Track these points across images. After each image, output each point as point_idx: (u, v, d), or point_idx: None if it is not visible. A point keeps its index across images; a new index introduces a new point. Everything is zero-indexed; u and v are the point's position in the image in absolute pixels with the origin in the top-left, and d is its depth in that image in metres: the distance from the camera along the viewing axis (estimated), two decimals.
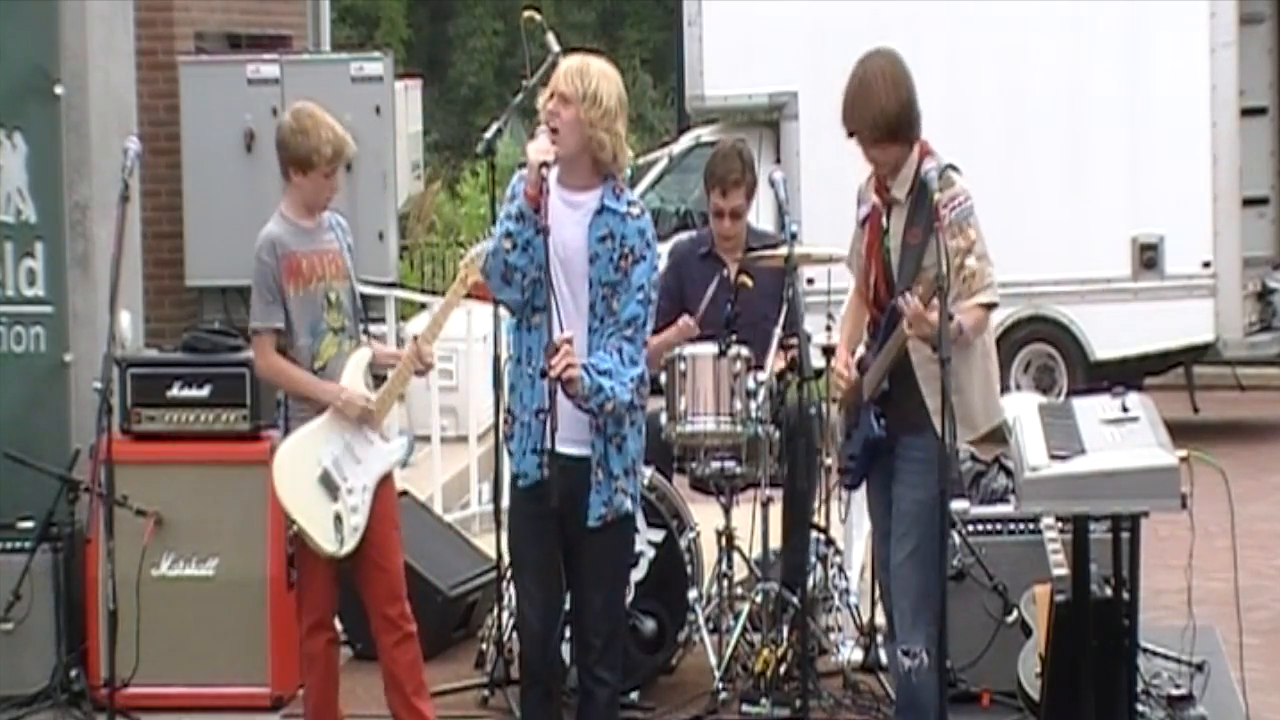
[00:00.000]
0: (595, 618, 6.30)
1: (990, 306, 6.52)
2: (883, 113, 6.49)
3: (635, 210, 6.26)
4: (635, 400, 6.27)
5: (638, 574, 8.05)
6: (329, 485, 7.03)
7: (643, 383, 6.29)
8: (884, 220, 6.64)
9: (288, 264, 7.07)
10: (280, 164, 7.14)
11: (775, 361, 8.03)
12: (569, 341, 6.06)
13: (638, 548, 8.00)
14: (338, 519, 7.02)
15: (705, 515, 8.46)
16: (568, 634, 6.42)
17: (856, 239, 6.82)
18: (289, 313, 7.08)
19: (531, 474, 6.22)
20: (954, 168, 6.56)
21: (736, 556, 8.28)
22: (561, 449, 6.14)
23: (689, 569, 8.13)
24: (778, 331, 7.98)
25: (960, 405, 6.44)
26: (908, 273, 6.51)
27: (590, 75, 6.17)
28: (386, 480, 7.17)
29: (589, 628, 6.30)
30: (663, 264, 8.63)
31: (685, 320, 8.17)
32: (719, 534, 8.26)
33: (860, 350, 6.85)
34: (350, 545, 7.03)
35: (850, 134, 6.58)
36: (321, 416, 7.07)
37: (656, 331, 8.24)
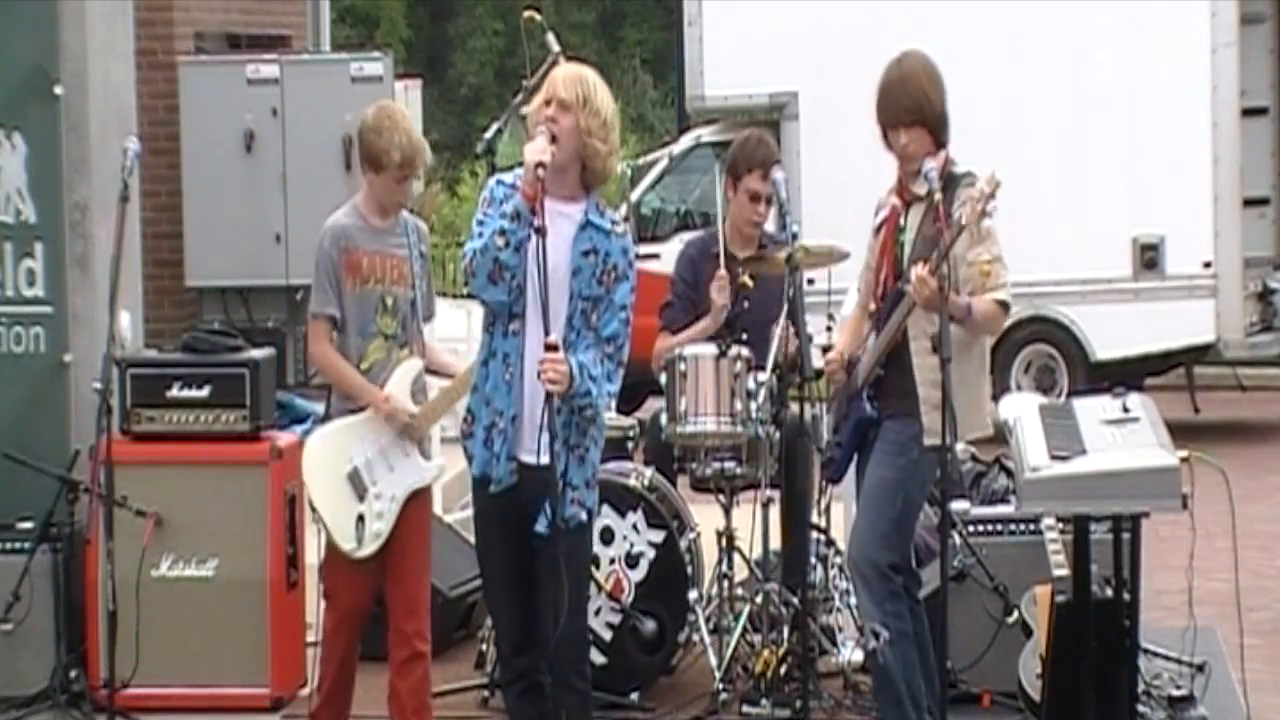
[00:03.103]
0: (564, 626, 6.27)
1: (1005, 306, 6.57)
2: (925, 97, 6.62)
3: (619, 229, 6.28)
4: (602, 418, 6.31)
5: (638, 575, 8.05)
6: (356, 484, 6.99)
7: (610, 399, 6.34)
8: (901, 219, 6.68)
9: (348, 258, 7.03)
10: (359, 159, 7.15)
11: (780, 349, 7.99)
12: (555, 347, 6.07)
13: (638, 549, 8.03)
14: (360, 519, 6.97)
15: (706, 516, 8.46)
16: None
17: (870, 251, 6.87)
18: (343, 307, 7.05)
19: (505, 480, 6.21)
20: (971, 174, 6.64)
21: (737, 557, 8.27)
22: (525, 457, 6.16)
23: (689, 570, 8.13)
24: (778, 332, 7.97)
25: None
26: (919, 257, 6.55)
27: (588, 83, 6.21)
28: (420, 496, 7.10)
29: (558, 636, 6.28)
30: (673, 262, 8.69)
31: (721, 301, 8.16)
32: (719, 535, 8.25)
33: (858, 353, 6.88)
34: (369, 549, 6.98)
35: (884, 124, 6.61)
36: (362, 414, 7.03)
37: (676, 331, 8.30)
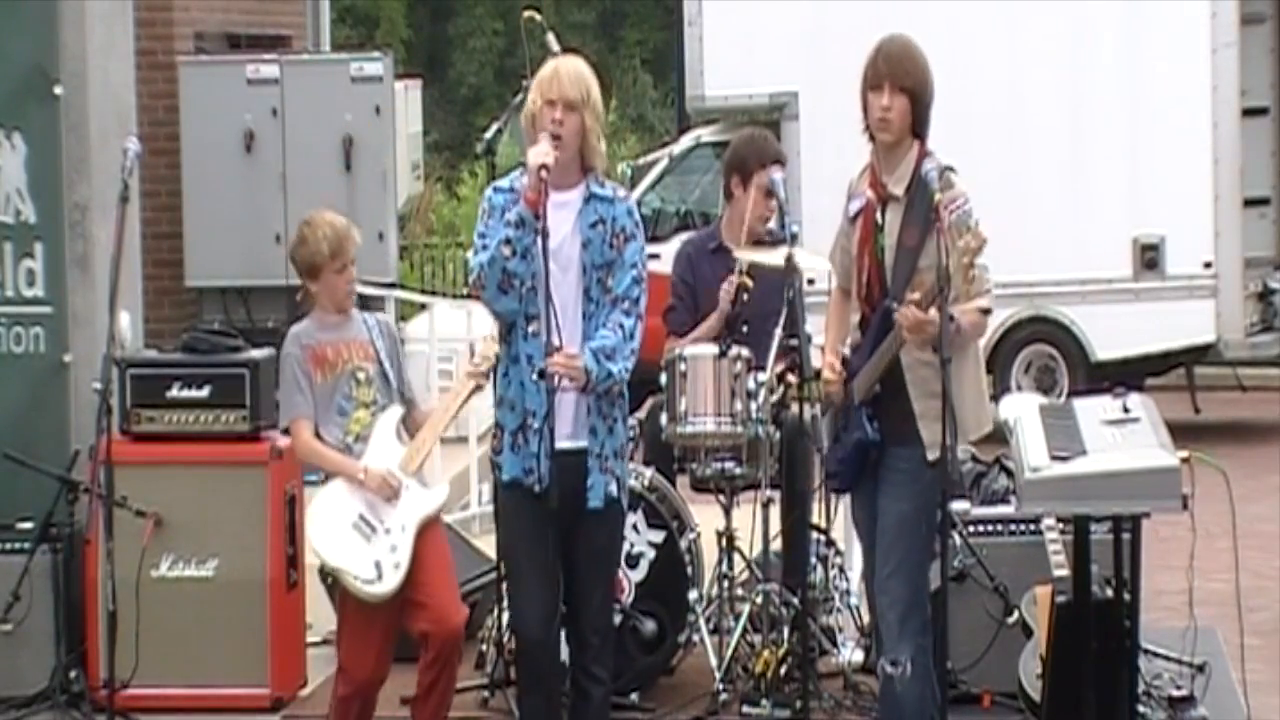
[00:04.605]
0: (593, 615, 6.33)
1: (986, 311, 6.54)
2: (927, 75, 6.58)
3: (621, 193, 6.43)
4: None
5: (638, 575, 8.04)
6: (363, 530, 6.99)
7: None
8: (878, 216, 6.63)
9: (313, 353, 7.12)
10: (299, 275, 7.25)
11: (775, 365, 8.01)
12: (574, 355, 6.14)
13: (638, 549, 8.01)
14: (377, 562, 6.96)
15: (706, 516, 8.46)
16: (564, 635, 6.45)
17: (844, 235, 6.80)
18: (315, 401, 7.11)
19: (547, 477, 6.24)
20: (951, 169, 6.57)
21: (737, 557, 8.27)
22: (560, 444, 6.22)
23: (689, 570, 8.12)
24: (778, 332, 7.97)
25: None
26: (902, 274, 6.50)
27: (585, 79, 6.30)
28: (431, 526, 7.09)
29: (587, 625, 6.33)
30: (670, 264, 8.68)
31: (725, 287, 8.15)
32: (719, 535, 8.25)
33: (845, 350, 6.84)
34: (393, 583, 6.94)
35: (876, 82, 6.54)
36: None
37: (682, 335, 8.29)
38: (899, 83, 6.52)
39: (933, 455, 6.44)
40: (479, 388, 6.95)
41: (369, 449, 7.08)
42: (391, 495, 6.99)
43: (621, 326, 6.28)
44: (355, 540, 6.99)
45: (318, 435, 7.13)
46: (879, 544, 6.59)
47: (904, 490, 6.49)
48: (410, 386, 7.33)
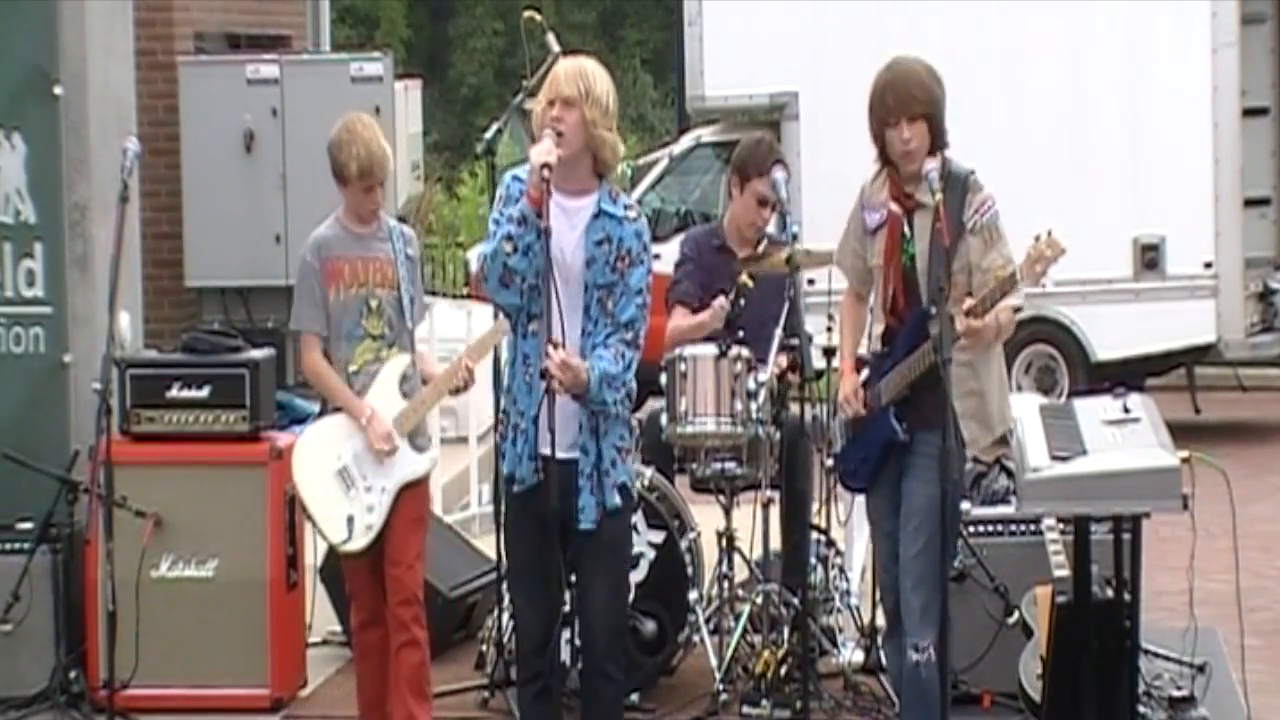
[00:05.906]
0: (599, 615, 6.30)
1: (1018, 309, 6.58)
2: (932, 91, 6.59)
3: (632, 213, 6.31)
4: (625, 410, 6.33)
5: (638, 575, 8.04)
6: (345, 481, 7.08)
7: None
8: (905, 227, 6.64)
9: (330, 267, 7.14)
10: None
11: (776, 363, 8.01)
12: (558, 345, 6.09)
13: (638, 549, 8.01)
14: (350, 517, 7.05)
15: (706, 516, 8.45)
16: (567, 635, 6.43)
17: (857, 242, 6.80)
18: (328, 315, 7.14)
19: (528, 479, 6.25)
20: (973, 172, 6.63)
21: (737, 558, 8.27)
22: (548, 451, 6.18)
23: (689, 570, 8.13)
24: (778, 333, 7.96)
25: (980, 408, 6.53)
26: (937, 275, 6.51)
27: (589, 75, 6.24)
28: (414, 488, 7.15)
29: (593, 625, 6.30)
30: (677, 253, 8.68)
31: (720, 302, 8.13)
32: (719, 535, 8.25)
33: (863, 352, 6.85)
34: (360, 544, 7.07)
35: (885, 119, 6.56)
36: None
37: (694, 309, 8.28)
38: (912, 112, 6.55)
39: (972, 451, 6.62)
40: (458, 390, 7.10)
41: (371, 392, 7.12)
42: (385, 454, 7.06)
43: (623, 356, 6.20)
44: (334, 489, 7.08)
45: (327, 356, 7.17)
46: (905, 527, 6.62)
47: (935, 474, 6.51)
48: (421, 306, 7.32)
